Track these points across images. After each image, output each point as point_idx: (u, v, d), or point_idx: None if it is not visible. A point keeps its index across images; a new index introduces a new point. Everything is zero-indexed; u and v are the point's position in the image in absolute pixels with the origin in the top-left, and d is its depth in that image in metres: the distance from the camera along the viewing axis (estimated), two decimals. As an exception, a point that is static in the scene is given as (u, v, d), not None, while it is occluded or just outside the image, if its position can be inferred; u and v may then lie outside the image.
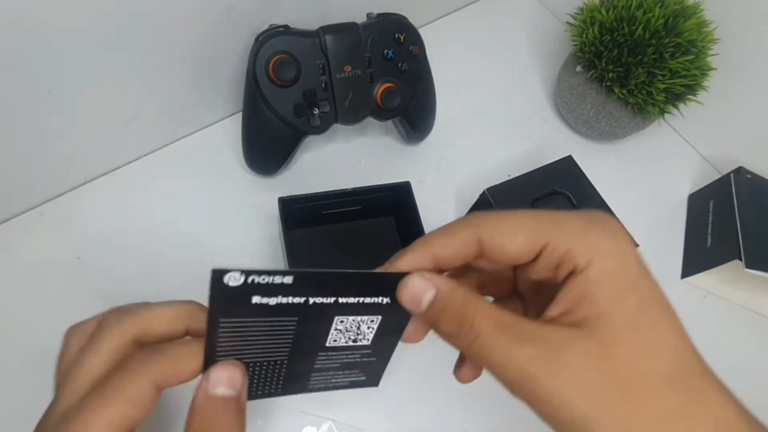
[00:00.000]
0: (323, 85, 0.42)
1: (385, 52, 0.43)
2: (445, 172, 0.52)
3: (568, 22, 0.52)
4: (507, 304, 0.26)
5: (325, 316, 0.23)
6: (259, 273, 0.21)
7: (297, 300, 0.22)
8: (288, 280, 0.21)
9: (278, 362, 0.24)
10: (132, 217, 0.45)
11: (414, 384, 0.42)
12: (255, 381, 0.24)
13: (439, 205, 0.50)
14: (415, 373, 0.42)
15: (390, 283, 0.23)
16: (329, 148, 0.51)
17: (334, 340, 0.24)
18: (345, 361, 0.26)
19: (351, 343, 0.25)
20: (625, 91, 0.48)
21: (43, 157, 0.41)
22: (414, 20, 0.45)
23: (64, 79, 0.37)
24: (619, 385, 0.19)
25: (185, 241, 0.44)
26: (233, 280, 0.22)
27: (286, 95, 0.41)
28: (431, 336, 0.44)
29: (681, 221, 0.55)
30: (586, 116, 0.54)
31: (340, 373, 0.26)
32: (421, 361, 0.43)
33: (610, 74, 0.48)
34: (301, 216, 0.42)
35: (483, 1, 0.65)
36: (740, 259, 0.44)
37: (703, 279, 0.50)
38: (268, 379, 0.25)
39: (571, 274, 0.21)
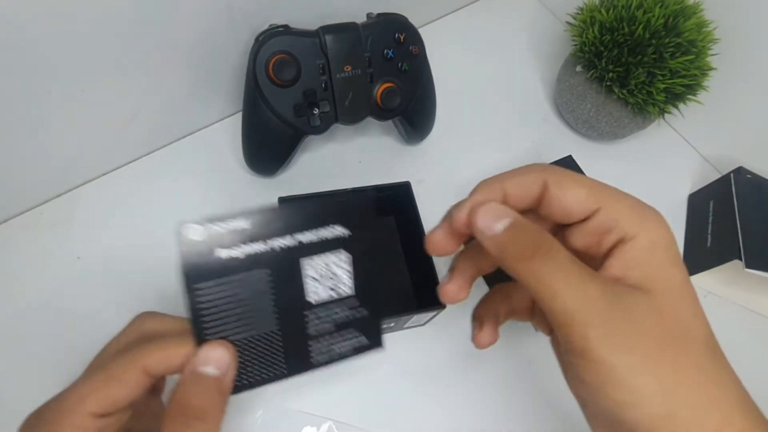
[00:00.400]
0: (323, 85, 0.42)
1: (385, 52, 0.43)
2: (445, 172, 0.52)
3: (568, 22, 0.52)
4: None
5: (292, 263, 0.23)
6: (219, 219, 0.22)
7: (260, 247, 0.22)
8: (246, 224, 0.22)
9: (271, 336, 0.24)
10: (132, 217, 0.45)
11: (415, 384, 0.42)
12: (256, 363, 0.24)
13: (439, 205, 0.50)
14: (416, 373, 0.42)
15: (348, 212, 0.23)
16: (329, 148, 0.51)
17: (315, 293, 0.24)
18: (336, 318, 0.25)
19: (334, 295, 0.25)
20: (625, 91, 0.48)
21: (43, 157, 0.41)
22: (414, 20, 0.45)
23: (64, 79, 0.37)
24: (671, 339, 0.21)
25: (185, 241, 0.44)
26: (195, 233, 0.23)
27: (286, 95, 0.41)
28: (432, 337, 0.44)
29: (681, 221, 0.55)
30: (586, 116, 0.54)
31: (338, 337, 0.26)
32: (422, 361, 0.43)
33: (610, 74, 0.48)
34: None
35: (483, 1, 0.65)
36: (740, 259, 0.44)
37: (703, 279, 0.50)
38: (269, 359, 0.24)
39: (620, 242, 0.23)
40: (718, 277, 0.49)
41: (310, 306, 0.24)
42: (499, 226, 0.23)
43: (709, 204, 0.52)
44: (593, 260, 0.23)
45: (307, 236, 0.23)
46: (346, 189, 0.42)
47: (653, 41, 0.46)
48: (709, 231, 0.50)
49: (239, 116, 0.46)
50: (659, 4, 0.46)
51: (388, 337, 0.43)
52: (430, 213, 0.47)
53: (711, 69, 0.48)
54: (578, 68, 0.52)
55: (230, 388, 0.23)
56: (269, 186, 0.48)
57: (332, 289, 0.25)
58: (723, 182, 0.52)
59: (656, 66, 0.46)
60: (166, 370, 0.23)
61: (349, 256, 0.24)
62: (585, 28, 0.49)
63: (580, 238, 0.24)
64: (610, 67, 0.47)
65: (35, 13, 0.32)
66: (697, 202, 0.55)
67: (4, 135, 0.37)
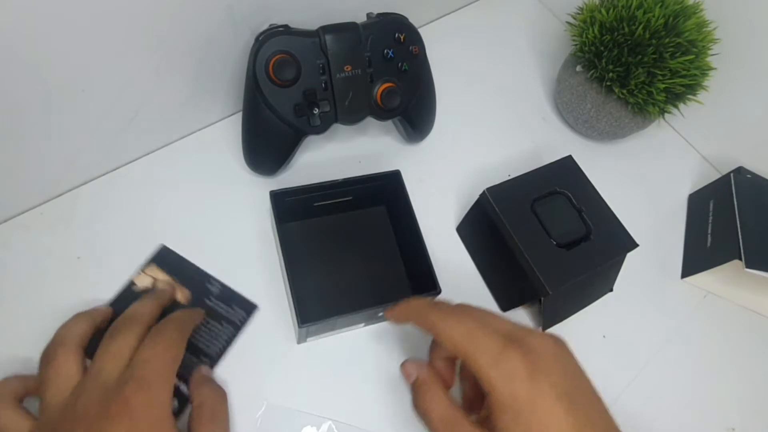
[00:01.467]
0: (323, 84, 0.42)
1: (385, 51, 0.43)
2: (445, 172, 0.52)
3: (568, 22, 0.52)
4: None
5: None
6: None
7: None
8: None
9: None
10: (132, 217, 0.45)
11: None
12: None
13: (439, 205, 0.50)
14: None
15: None
16: (329, 148, 0.51)
17: None
18: None
19: None
20: (625, 91, 0.48)
21: (43, 157, 0.41)
22: (414, 20, 0.45)
23: (65, 79, 0.37)
24: None
25: (185, 241, 0.44)
26: None
27: (286, 95, 0.41)
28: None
29: (681, 221, 0.55)
30: (586, 116, 0.54)
31: None
32: (420, 353, 0.43)
33: (610, 74, 0.48)
34: (293, 209, 0.43)
35: (483, 1, 0.65)
36: (740, 259, 0.44)
37: (703, 279, 0.50)
38: None
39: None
40: (718, 277, 0.49)
41: None
42: (410, 380, 0.34)
43: (709, 204, 0.52)
44: None
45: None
46: (337, 180, 0.42)
47: (653, 41, 0.46)
48: (709, 231, 0.50)
49: (239, 116, 0.46)
50: (659, 4, 0.46)
51: (387, 331, 0.43)
52: (430, 212, 0.47)
53: (711, 69, 0.48)
54: (578, 68, 0.52)
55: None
56: (269, 186, 0.47)
57: None
58: (723, 182, 0.52)
59: (656, 66, 0.46)
60: None
61: None
62: (585, 28, 0.49)
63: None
64: (610, 67, 0.47)
65: (35, 13, 0.32)
66: (697, 202, 0.55)
67: (5, 135, 0.37)
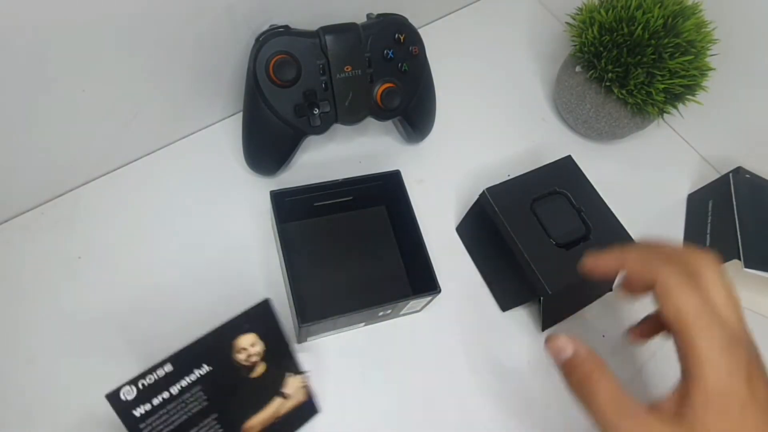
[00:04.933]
0: (323, 85, 0.42)
1: (385, 52, 0.43)
2: (445, 172, 0.52)
3: (567, 23, 0.52)
4: None
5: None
6: (143, 375, 0.30)
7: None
8: (168, 367, 0.30)
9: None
10: (132, 217, 0.45)
11: (414, 370, 0.42)
12: None
13: (439, 205, 0.50)
14: (414, 360, 0.42)
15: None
16: (329, 148, 0.51)
17: None
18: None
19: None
20: (624, 92, 0.48)
21: (44, 157, 0.41)
22: (414, 20, 0.45)
23: (65, 79, 0.37)
24: None
25: (185, 241, 0.44)
26: (128, 393, 0.29)
27: (287, 95, 0.41)
28: (428, 323, 0.44)
29: (680, 221, 0.55)
30: (585, 116, 0.54)
31: None
32: (420, 348, 0.43)
33: (610, 74, 0.48)
34: (293, 209, 0.43)
35: (483, 1, 0.65)
36: (739, 259, 0.44)
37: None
38: None
39: (685, 370, 0.28)
40: (717, 277, 0.49)
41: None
42: (563, 356, 0.30)
43: (708, 204, 0.52)
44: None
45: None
46: (338, 180, 0.42)
47: (652, 42, 0.46)
48: (708, 231, 0.50)
49: (239, 116, 0.46)
50: (658, 5, 0.46)
51: (385, 326, 0.43)
52: (430, 212, 0.47)
53: (710, 69, 0.48)
54: (578, 68, 0.52)
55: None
56: (269, 186, 0.47)
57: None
58: (722, 182, 0.52)
59: (655, 66, 0.46)
60: None
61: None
62: (584, 29, 0.49)
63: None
64: (610, 67, 0.48)
65: (36, 13, 0.32)
66: (696, 202, 0.55)
67: (6, 135, 0.37)
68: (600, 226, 0.43)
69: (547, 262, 0.41)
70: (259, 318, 0.34)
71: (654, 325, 0.35)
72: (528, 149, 0.56)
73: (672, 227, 0.54)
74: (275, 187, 0.41)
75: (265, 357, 0.34)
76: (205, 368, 0.32)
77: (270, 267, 0.44)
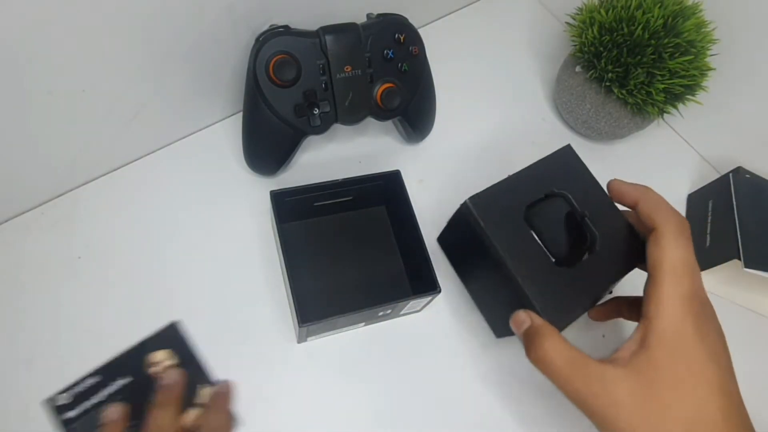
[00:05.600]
0: (323, 85, 0.42)
1: (385, 52, 0.43)
2: (444, 172, 0.52)
3: (567, 23, 0.52)
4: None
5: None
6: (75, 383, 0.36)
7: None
8: (97, 377, 0.36)
9: None
10: (132, 217, 0.45)
11: (414, 370, 0.42)
12: None
13: (439, 205, 0.50)
14: (413, 358, 0.42)
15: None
16: (329, 148, 0.51)
17: None
18: None
19: None
20: (624, 92, 0.48)
21: (44, 156, 0.41)
22: (414, 20, 0.45)
23: (65, 79, 0.37)
24: (649, 422, 0.28)
25: (185, 241, 0.44)
26: (63, 399, 0.35)
27: (286, 95, 0.41)
28: (428, 322, 0.44)
29: (680, 221, 0.55)
30: (585, 116, 0.54)
31: None
32: (420, 347, 0.43)
33: (610, 74, 0.48)
34: (293, 209, 0.43)
35: (483, 1, 0.65)
36: (739, 259, 0.44)
37: (703, 278, 0.50)
38: None
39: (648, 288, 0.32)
40: (718, 277, 0.49)
41: None
42: (522, 328, 0.34)
43: (708, 204, 0.52)
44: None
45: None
46: (338, 180, 0.42)
47: (652, 42, 0.46)
48: (708, 231, 0.50)
49: (239, 116, 0.46)
50: (658, 5, 0.46)
51: (385, 326, 0.43)
52: (430, 212, 0.47)
53: (710, 69, 0.48)
54: (577, 68, 0.52)
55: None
56: (269, 186, 0.48)
57: None
58: (722, 182, 0.52)
59: (655, 66, 0.46)
60: None
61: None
62: (584, 29, 0.49)
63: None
64: (610, 67, 0.48)
65: (36, 13, 0.32)
66: (696, 202, 0.55)
67: (5, 135, 0.37)
68: (608, 232, 0.37)
69: (547, 289, 0.34)
70: (169, 337, 0.39)
71: (615, 309, 0.41)
72: (528, 149, 0.56)
73: (672, 227, 0.54)
74: (275, 187, 0.41)
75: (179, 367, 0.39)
76: (128, 378, 0.37)
77: (270, 267, 0.44)
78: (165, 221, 0.45)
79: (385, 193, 0.45)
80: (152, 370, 0.38)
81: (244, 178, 0.48)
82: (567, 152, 0.40)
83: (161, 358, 0.38)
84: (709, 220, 0.51)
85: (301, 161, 0.50)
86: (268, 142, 0.45)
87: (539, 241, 0.36)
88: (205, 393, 0.38)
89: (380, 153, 0.52)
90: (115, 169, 0.47)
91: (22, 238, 0.43)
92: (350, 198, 0.45)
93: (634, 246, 0.37)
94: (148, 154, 0.48)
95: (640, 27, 0.46)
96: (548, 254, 0.36)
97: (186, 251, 0.44)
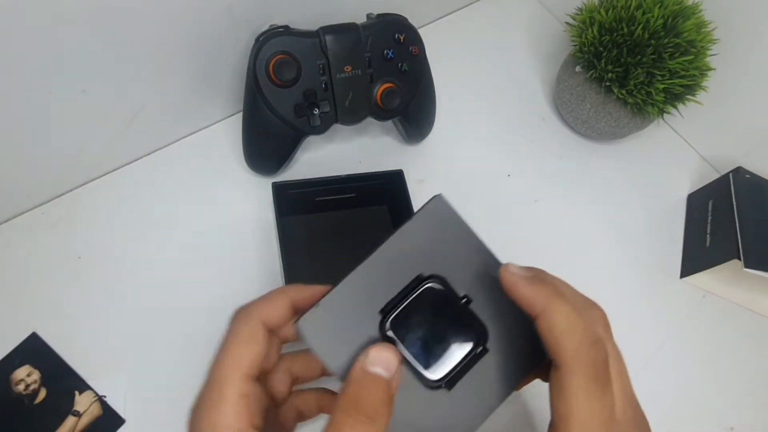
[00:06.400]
0: (323, 85, 0.42)
1: (385, 52, 0.43)
2: (444, 172, 0.52)
3: (567, 23, 0.52)
4: None
5: None
6: None
7: None
8: None
9: None
10: (132, 216, 0.45)
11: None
12: None
13: (438, 204, 0.50)
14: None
15: None
16: (329, 148, 0.51)
17: None
18: None
19: None
20: (624, 91, 0.48)
21: (44, 156, 0.41)
22: (414, 20, 0.45)
23: (65, 79, 0.37)
24: None
25: (185, 241, 0.44)
26: None
27: (287, 95, 0.41)
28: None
29: (680, 221, 0.55)
30: (585, 116, 0.54)
31: None
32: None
33: (610, 74, 0.48)
34: (294, 203, 0.43)
35: (483, 1, 0.65)
36: (739, 259, 0.44)
37: (702, 278, 0.50)
38: None
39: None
40: (717, 277, 0.49)
41: None
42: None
43: (708, 204, 0.52)
44: None
45: None
46: (340, 175, 0.42)
47: (652, 41, 0.46)
48: (708, 231, 0.50)
49: (239, 116, 0.46)
50: (658, 5, 0.46)
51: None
52: (430, 213, 0.47)
53: (710, 69, 0.48)
54: (578, 68, 0.52)
55: (395, 390, 0.23)
56: (269, 186, 0.48)
57: None
58: (722, 182, 0.52)
59: (655, 66, 0.46)
60: (278, 321, 0.26)
61: None
62: (584, 29, 0.49)
63: None
64: (610, 67, 0.48)
65: (36, 13, 0.32)
66: (696, 202, 0.55)
67: (6, 135, 0.37)
68: (502, 318, 0.25)
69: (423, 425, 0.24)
70: (30, 350, 0.38)
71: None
72: (528, 149, 0.56)
73: (672, 227, 0.54)
74: (275, 188, 0.41)
75: (44, 382, 0.38)
76: None
77: (269, 267, 0.44)
78: (165, 221, 0.45)
79: (387, 192, 0.45)
80: (18, 388, 0.37)
81: (244, 178, 0.48)
82: (438, 207, 0.27)
83: (26, 373, 0.37)
84: (709, 220, 0.51)
85: (301, 161, 0.50)
86: (268, 142, 0.45)
87: (407, 357, 0.24)
88: (81, 400, 0.37)
89: (380, 153, 0.52)
90: (115, 169, 0.47)
91: (22, 238, 0.43)
92: (352, 195, 0.45)
93: (526, 343, 0.25)
94: (148, 154, 0.48)
95: (640, 27, 0.46)
96: (419, 373, 0.25)
97: (185, 251, 0.44)
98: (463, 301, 0.25)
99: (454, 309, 0.25)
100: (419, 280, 0.25)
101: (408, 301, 0.25)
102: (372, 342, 0.24)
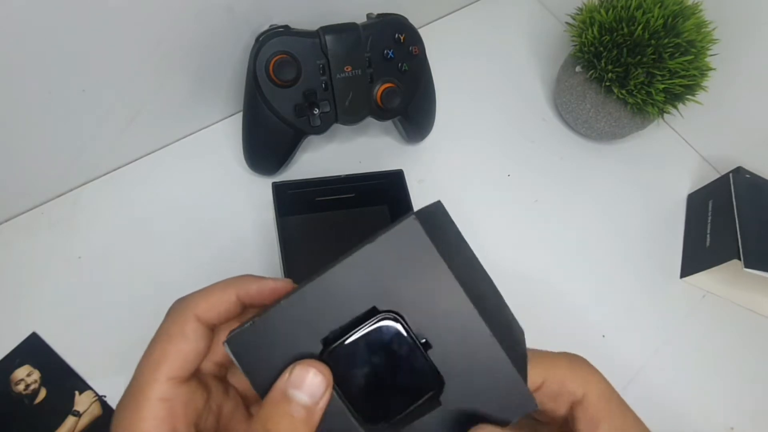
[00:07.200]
0: (323, 85, 0.42)
1: (385, 52, 0.43)
2: (445, 172, 0.52)
3: (567, 23, 0.52)
4: None
5: None
6: None
7: None
8: None
9: None
10: (132, 216, 0.45)
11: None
12: None
13: (438, 204, 0.50)
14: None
15: None
16: (329, 148, 0.51)
17: None
18: None
19: None
20: (624, 91, 0.48)
21: (44, 156, 0.41)
22: (414, 20, 0.45)
23: (65, 79, 0.37)
24: None
25: (185, 241, 0.44)
26: None
27: (287, 95, 0.41)
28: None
29: (680, 221, 0.55)
30: (585, 116, 0.54)
31: None
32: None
33: (610, 74, 0.48)
34: (294, 203, 0.43)
35: (483, 1, 0.65)
36: (739, 259, 0.44)
37: (702, 278, 0.50)
38: None
39: (574, 404, 0.24)
40: (717, 277, 0.49)
41: None
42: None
43: (708, 204, 0.52)
44: (554, 420, 0.25)
45: None
46: (340, 175, 0.42)
47: (652, 41, 0.46)
48: (708, 231, 0.50)
49: (239, 116, 0.46)
50: (658, 5, 0.46)
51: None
52: (430, 213, 0.47)
53: (710, 69, 0.48)
54: (578, 68, 0.52)
55: (319, 420, 0.20)
56: (269, 186, 0.48)
57: None
58: (722, 182, 0.52)
59: (655, 66, 0.46)
60: (216, 317, 0.23)
61: None
62: (584, 29, 0.49)
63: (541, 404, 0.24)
64: (610, 67, 0.48)
65: (36, 12, 0.32)
66: (696, 202, 0.55)
67: (6, 135, 0.37)
68: (466, 374, 0.21)
69: None
70: (30, 350, 0.38)
71: None
72: (528, 149, 0.56)
73: (672, 227, 0.54)
74: (275, 188, 0.41)
75: (44, 382, 0.37)
76: None
77: (269, 267, 0.44)
78: (165, 221, 0.45)
79: (388, 192, 0.45)
80: (18, 388, 0.37)
81: (244, 178, 0.48)
82: (410, 232, 0.22)
83: (26, 373, 0.37)
84: (709, 220, 0.51)
85: (301, 161, 0.50)
86: (268, 142, 0.45)
87: (341, 401, 0.21)
88: (81, 399, 0.37)
89: (380, 153, 0.52)
90: (115, 169, 0.47)
91: (22, 238, 0.43)
92: (352, 195, 0.45)
93: (511, 393, 0.21)
94: (148, 154, 0.48)
95: (640, 27, 0.46)
96: (356, 414, 0.21)
97: (185, 251, 0.44)
98: (422, 344, 0.21)
99: (409, 352, 0.21)
100: (373, 312, 0.21)
101: (355, 334, 0.21)
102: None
